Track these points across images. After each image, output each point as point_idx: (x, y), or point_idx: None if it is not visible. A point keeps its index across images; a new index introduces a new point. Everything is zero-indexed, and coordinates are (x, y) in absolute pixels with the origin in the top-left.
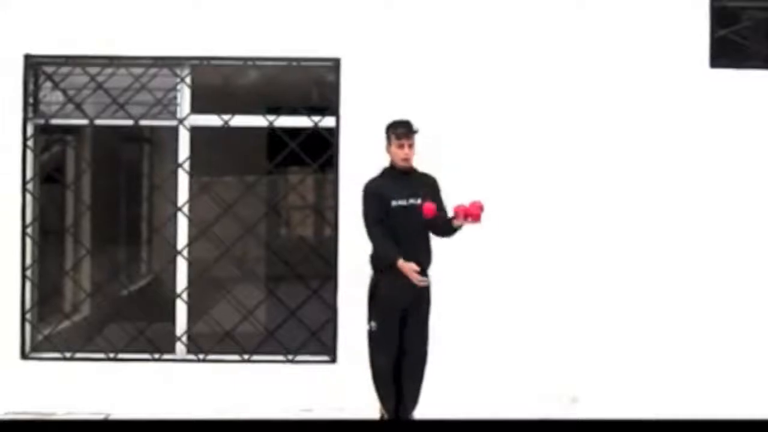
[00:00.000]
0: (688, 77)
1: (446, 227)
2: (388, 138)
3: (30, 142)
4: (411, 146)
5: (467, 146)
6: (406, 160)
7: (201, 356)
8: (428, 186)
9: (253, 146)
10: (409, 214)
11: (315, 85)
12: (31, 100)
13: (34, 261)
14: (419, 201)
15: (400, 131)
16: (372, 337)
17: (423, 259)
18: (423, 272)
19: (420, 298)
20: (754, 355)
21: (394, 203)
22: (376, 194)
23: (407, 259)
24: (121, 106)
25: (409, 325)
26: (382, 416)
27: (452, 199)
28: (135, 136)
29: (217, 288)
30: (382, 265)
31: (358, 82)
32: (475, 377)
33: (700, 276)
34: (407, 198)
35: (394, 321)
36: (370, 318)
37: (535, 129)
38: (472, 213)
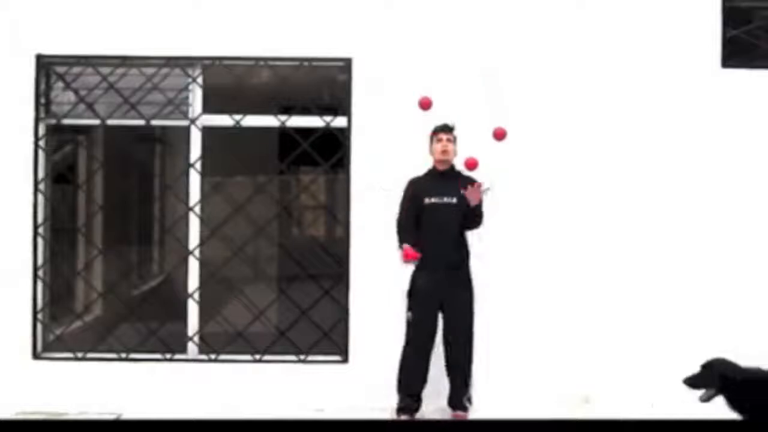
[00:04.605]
0: (700, 77)
1: (471, 216)
2: (431, 140)
3: (42, 142)
4: (450, 141)
5: (477, 146)
6: (445, 152)
7: (213, 356)
8: (466, 187)
9: (265, 146)
10: (442, 211)
11: (326, 85)
12: (42, 100)
13: (45, 261)
14: (454, 200)
15: (438, 127)
16: (408, 328)
17: (455, 256)
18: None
19: (458, 293)
20: (765, 355)
21: (427, 200)
22: (409, 193)
23: (438, 254)
24: (133, 106)
25: (449, 315)
26: (398, 408)
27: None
28: (147, 136)
29: (229, 288)
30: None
31: (370, 82)
32: (487, 377)
33: (712, 276)
34: (441, 196)
35: (430, 312)
36: (408, 309)
37: (545, 129)
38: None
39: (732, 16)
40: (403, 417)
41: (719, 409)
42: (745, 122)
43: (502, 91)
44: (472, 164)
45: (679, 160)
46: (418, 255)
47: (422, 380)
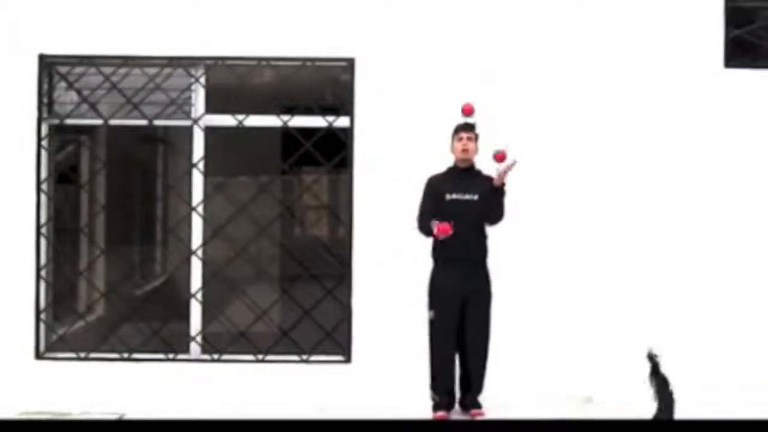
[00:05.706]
0: (702, 77)
1: (495, 210)
2: (452, 138)
3: (44, 142)
4: (470, 140)
5: (480, 146)
6: (465, 151)
7: (215, 356)
8: (487, 185)
9: (268, 146)
10: (464, 208)
11: (329, 85)
12: (45, 100)
13: (48, 261)
14: (476, 197)
15: (460, 125)
16: (431, 326)
17: (476, 252)
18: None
19: (478, 289)
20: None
21: (448, 197)
22: (430, 189)
23: (458, 250)
24: (136, 106)
25: (470, 316)
26: (433, 403)
27: None
28: (149, 136)
29: (232, 288)
30: (428, 235)
31: (373, 82)
32: (488, 377)
33: (714, 276)
34: (462, 193)
35: (452, 310)
36: (430, 307)
37: (549, 129)
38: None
39: (735, 16)
40: (440, 413)
41: (724, 409)
42: (747, 122)
43: (502, 92)
44: (500, 157)
45: (681, 161)
46: (450, 227)
47: (454, 375)
